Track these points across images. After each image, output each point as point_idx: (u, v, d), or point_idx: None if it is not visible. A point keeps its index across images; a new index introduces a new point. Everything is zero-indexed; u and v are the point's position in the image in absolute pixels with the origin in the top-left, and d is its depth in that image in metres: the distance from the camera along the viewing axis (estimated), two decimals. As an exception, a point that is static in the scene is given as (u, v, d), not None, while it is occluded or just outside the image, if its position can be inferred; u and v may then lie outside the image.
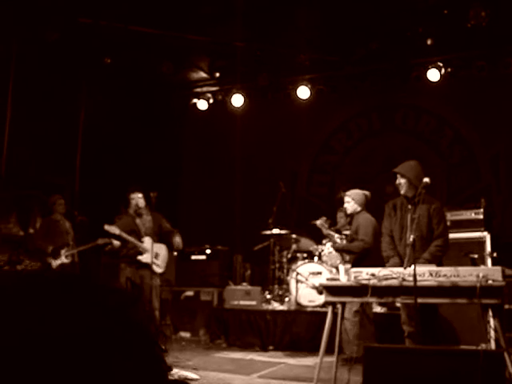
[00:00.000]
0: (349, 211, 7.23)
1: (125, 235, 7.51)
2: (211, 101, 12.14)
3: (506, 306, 4.84)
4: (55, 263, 8.22)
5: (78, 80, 10.15)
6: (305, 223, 7.83)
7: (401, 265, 5.08)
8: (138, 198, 7.67)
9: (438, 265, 5.19)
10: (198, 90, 12.33)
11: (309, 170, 12.07)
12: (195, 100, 12.22)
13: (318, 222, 7.60)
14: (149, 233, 7.65)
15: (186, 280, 9.63)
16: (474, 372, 3.75)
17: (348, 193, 7.24)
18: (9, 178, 9.08)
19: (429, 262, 5.25)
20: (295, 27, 9.10)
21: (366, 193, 7.29)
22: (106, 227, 7.48)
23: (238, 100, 11.66)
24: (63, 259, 8.28)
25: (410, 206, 5.51)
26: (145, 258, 7.53)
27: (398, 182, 5.73)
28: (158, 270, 7.65)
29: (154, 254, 7.59)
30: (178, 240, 7.89)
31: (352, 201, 7.13)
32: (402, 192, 5.67)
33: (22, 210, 9.26)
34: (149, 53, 10.08)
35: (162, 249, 7.80)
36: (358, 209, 7.14)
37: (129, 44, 9.57)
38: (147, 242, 7.60)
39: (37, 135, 9.48)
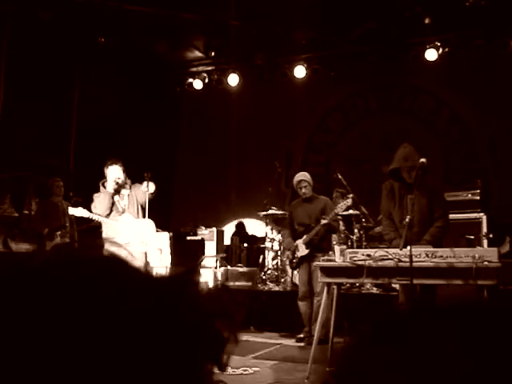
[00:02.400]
0: (308, 195, 7.29)
1: (95, 216, 6.85)
2: (206, 80, 12.05)
3: (501, 287, 4.82)
4: (50, 245, 8.22)
5: (72, 59, 10.04)
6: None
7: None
8: (114, 172, 6.91)
9: (438, 246, 5.15)
10: (194, 69, 12.24)
11: (304, 149, 12.03)
12: (190, 79, 12.13)
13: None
14: (128, 209, 6.93)
15: (181, 261, 9.61)
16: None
17: (304, 178, 7.32)
18: (3, 159, 9.01)
19: (430, 243, 5.21)
20: (292, 6, 8.99)
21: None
22: (71, 211, 7.01)
23: (233, 79, 11.58)
24: (58, 241, 8.28)
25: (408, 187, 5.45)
26: (121, 237, 6.74)
27: (404, 175, 5.60)
28: (141, 248, 6.82)
29: (137, 231, 6.84)
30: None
31: (308, 185, 7.27)
32: (409, 181, 5.52)
33: (16, 191, 9.22)
34: (144, 32, 9.98)
35: (145, 225, 6.99)
36: (311, 191, 7.32)
37: (124, 23, 9.46)
38: (125, 219, 6.88)
39: (31, 116, 9.41)
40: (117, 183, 6.84)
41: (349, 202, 6.88)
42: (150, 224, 7.06)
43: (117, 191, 6.91)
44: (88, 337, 0.55)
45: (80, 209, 6.90)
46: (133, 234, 6.80)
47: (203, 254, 9.60)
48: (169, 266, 7.51)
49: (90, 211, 6.87)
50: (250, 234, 10.72)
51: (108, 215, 6.88)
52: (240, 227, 11.18)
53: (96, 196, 6.91)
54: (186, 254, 9.43)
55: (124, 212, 6.91)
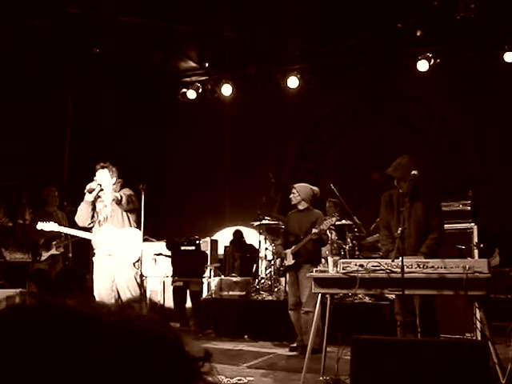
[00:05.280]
0: (292, 202, 7.32)
1: (67, 230, 6.45)
2: (200, 90, 12.13)
3: (492, 296, 4.90)
4: (46, 254, 8.25)
5: (66, 69, 10.09)
6: (288, 210, 7.81)
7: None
8: (98, 177, 6.27)
9: (434, 256, 5.20)
10: (187, 79, 12.32)
11: (295, 156, 12.13)
12: (184, 89, 12.20)
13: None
14: (111, 218, 6.29)
15: (175, 270, 9.63)
16: (460, 362, 3.81)
17: (296, 185, 7.35)
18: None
19: (426, 255, 5.27)
20: (285, 17, 9.08)
21: (315, 189, 7.35)
22: (40, 225, 6.48)
23: (226, 89, 11.66)
24: (54, 251, 8.31)
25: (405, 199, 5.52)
26: (102, 250, 6.27)
27: (396, 185, 5.71)
28: (127, 260, 6.22)
29: (119, 242, 6.22)
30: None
31: (297, 193, 7.23)
32: (400, 191, 5.63)
33: (10, 200, 9.24)
34: (138, 42, 10.05)
35: (128, 234, 6.32)
36: (304, 203, 7.22)
37: (118, 34, 9.53)
38: (105, 230, 6.28)
39: (25, 125, 9.44)
40: (88, 191, 6.17)
41: (333, 220, 6.94)
42: (134, 234, 6.38)
43: (98, 198, 6.32)
44: None
45: (51, 223, 6.44)
46: (115, 245, 6.23)
47: (196, 264, 9.59)
48: (164, 275, 7.46)
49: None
50: (244, 243, 10.75)
51: (91, 224, 6.33)
52: (234, 236, 11.20)
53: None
54: (180, 264, 9.44)
55: (106, 222, 6.30)
